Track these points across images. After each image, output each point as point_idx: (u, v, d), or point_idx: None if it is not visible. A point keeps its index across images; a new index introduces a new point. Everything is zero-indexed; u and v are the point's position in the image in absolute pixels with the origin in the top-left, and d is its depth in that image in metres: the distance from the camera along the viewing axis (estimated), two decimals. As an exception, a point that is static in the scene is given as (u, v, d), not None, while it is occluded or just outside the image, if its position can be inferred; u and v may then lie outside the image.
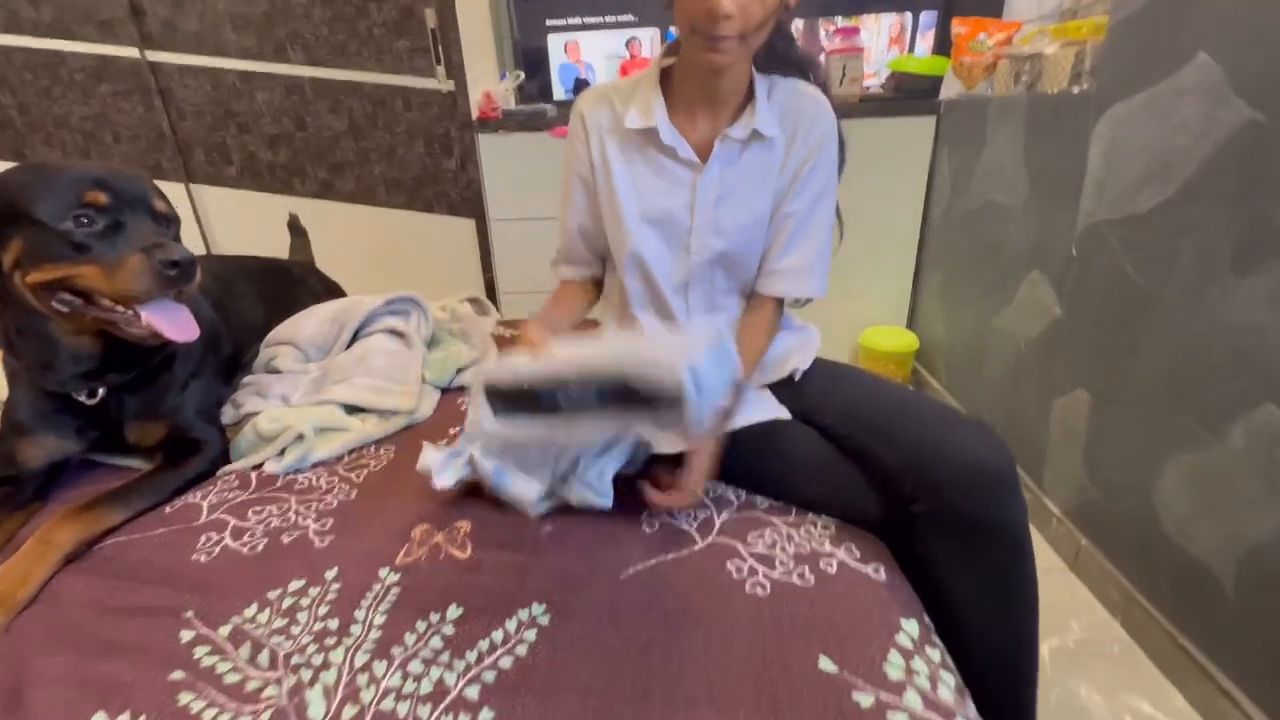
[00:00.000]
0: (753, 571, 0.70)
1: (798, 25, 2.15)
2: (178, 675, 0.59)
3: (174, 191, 2.30)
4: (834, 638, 0.61)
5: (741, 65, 0.80)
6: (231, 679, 0.59)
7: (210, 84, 2.19)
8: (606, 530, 0.78)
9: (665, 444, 0.80)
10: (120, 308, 0.77)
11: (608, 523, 0.78)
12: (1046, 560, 1.35)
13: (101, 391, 0.87)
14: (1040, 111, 1.47)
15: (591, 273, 1.00)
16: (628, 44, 2.30)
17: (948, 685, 0.57)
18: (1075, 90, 1.35)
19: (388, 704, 0.56)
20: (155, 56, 2.16)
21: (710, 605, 0.66)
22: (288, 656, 0.61)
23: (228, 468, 0.95)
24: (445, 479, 0.80)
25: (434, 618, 0.66)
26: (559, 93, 2.31)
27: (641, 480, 0.79)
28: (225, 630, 0.65)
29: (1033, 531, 0.74)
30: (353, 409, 1.07)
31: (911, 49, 2.16)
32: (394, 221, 2.35)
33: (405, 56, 2.12)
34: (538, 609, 0.66)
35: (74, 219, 0.74)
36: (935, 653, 0.60)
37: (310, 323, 1.22)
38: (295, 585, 0.71)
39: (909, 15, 2.14)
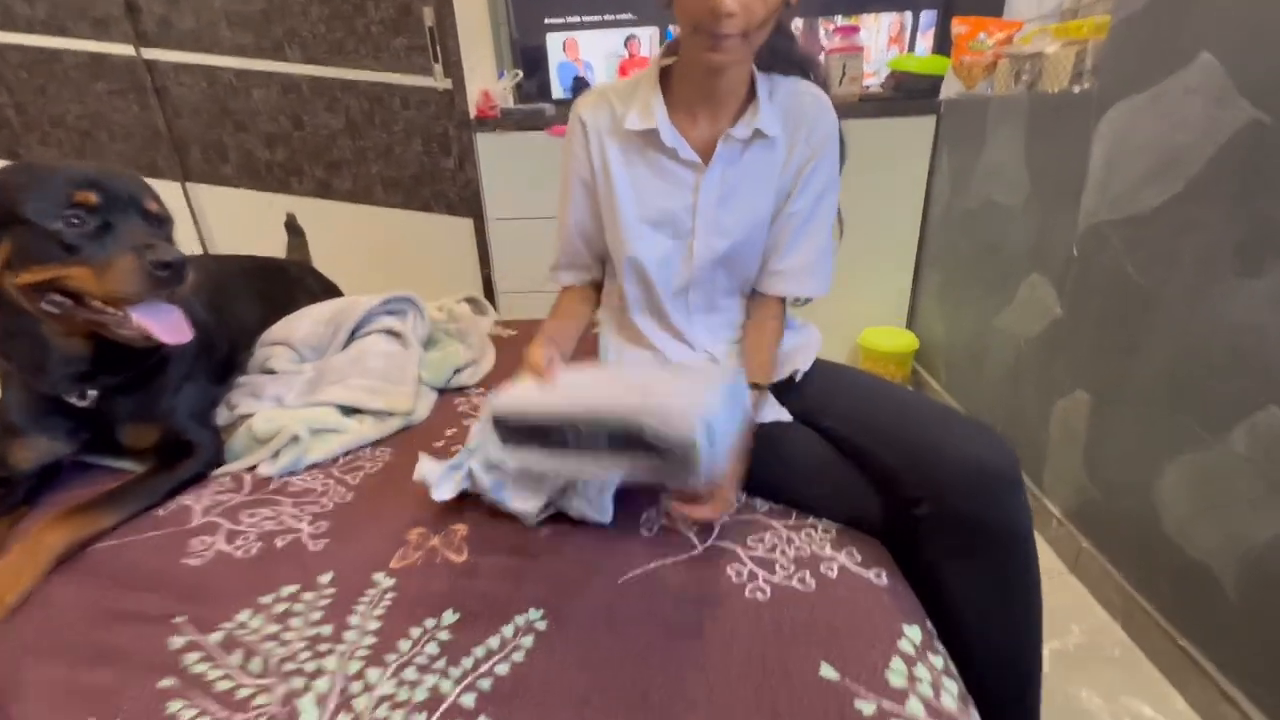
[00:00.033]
0: (752, 576, 0.70)
1: (797, 24, 2.15)
2: (167, 683, 0.58)
3: (170, 190, 2.29)
4: (835, 644, 0.60)
5: (743, 64, 0.79)
6: (222, 686, 0.58)
7: (206, 82, 2.17)
8: (604, 534, 0.77)
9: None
10: (111, 309, 0.76)
11: (605, 526, 0.78)
12: (1046, 562, 1.34)
13: (94, 394, 0.86)
14: (1041, 111, 1.46)
15: (593, 277, 0.99)
16: (626, 43, 2.29)
17: (951, 693, 0.56)
18: (1076, 89, 1.34)
19: (382, 712, 0.55)
20: (151, 54, 2.15)
21: (709, 610, 0.65)
22: (280, 663, 0.61)
23: (221, 469, 0.94)
24: (443, 492, 0.79)
25: (429, 623, 0.65)
26: (557, 91, 2.30)
27: (665, 495, 0.77)
28: (217, 636, 0.64)
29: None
30: (348, 410, 1.06)
31: (911, 48, 2.16)
32: (391, 221, 2.34)
33: (403, 54, 2.10)
34: (535, 614, 0.65)
35: (64, 219, 0.73)
36: (938, 659, 0.59)
37: (305, 323, 1.21)
38: (288, 590, 0.70)
39: (909, 14, 2.13)
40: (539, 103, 2.14)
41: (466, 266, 2.33)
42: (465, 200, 2.26)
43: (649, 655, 0.60)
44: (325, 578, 0.72)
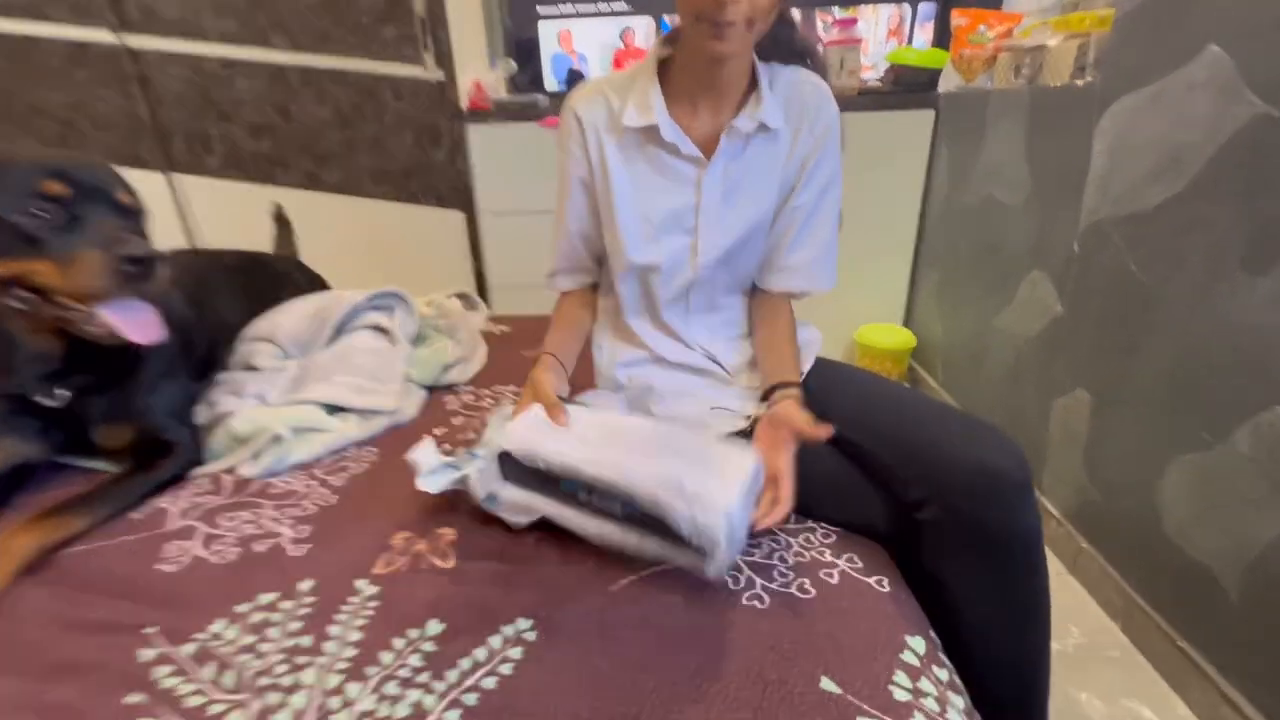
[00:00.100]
0: (750, 583, 0.67)
1: (794, 13, 2.11)
2: (135, 699, 0.55)
3: (153, 181, 2.24)
4: (836, 656, 0.58)
5: (745, 54, 0.76)
6: (193, 702, 0.55)
7: (190, 70, 2.12)
8: (597, 538, 0.74)
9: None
10: (78, 305, 0.72)
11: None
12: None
13: (65, 393, 0.82)
14: (1042, 105, 1.44)
15: (593, 280, 0.95)
16: (622, 34, 2.25)
17: (957, 708, 0.54)
18: (1078, 84, 1.32)
19: (361, 729, 0.52)
20: (133, 41, 2.09)
21: (705, 620, 0.62)
22: (255, 677, 0.58)
23: (199, 470, 0.90)
24: (430, 485, 0.76)
25: (413, 634, 0.62)
26: (551, 84, 2.26)
27: None
28: (189, 648, 0.61)
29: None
30: (333, 409, 1.02)
31: (910, 41, 2.13)
32: (381, 213, 2.30)
33: (392, 44, 2.06)
34: (523, 624, 0.63)
35: (27, 211, 0.70)
36: (943, 672, 0.57)
37: (290, 318, 1.18)
38: (266, 598, 0.67)
39: (907, 6, 2.10)
40: (532, 94, 2.10)
41: (458, 261, 2.30)
42: (456, 193, 2.22)
43: (642, 668, 0.57)
44: (305, 585, 0.69)
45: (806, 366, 0.87)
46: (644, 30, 2.20)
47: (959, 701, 0.55)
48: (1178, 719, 1.00)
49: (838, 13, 2.12)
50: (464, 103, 2.04)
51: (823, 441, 0.69)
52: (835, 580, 0.68)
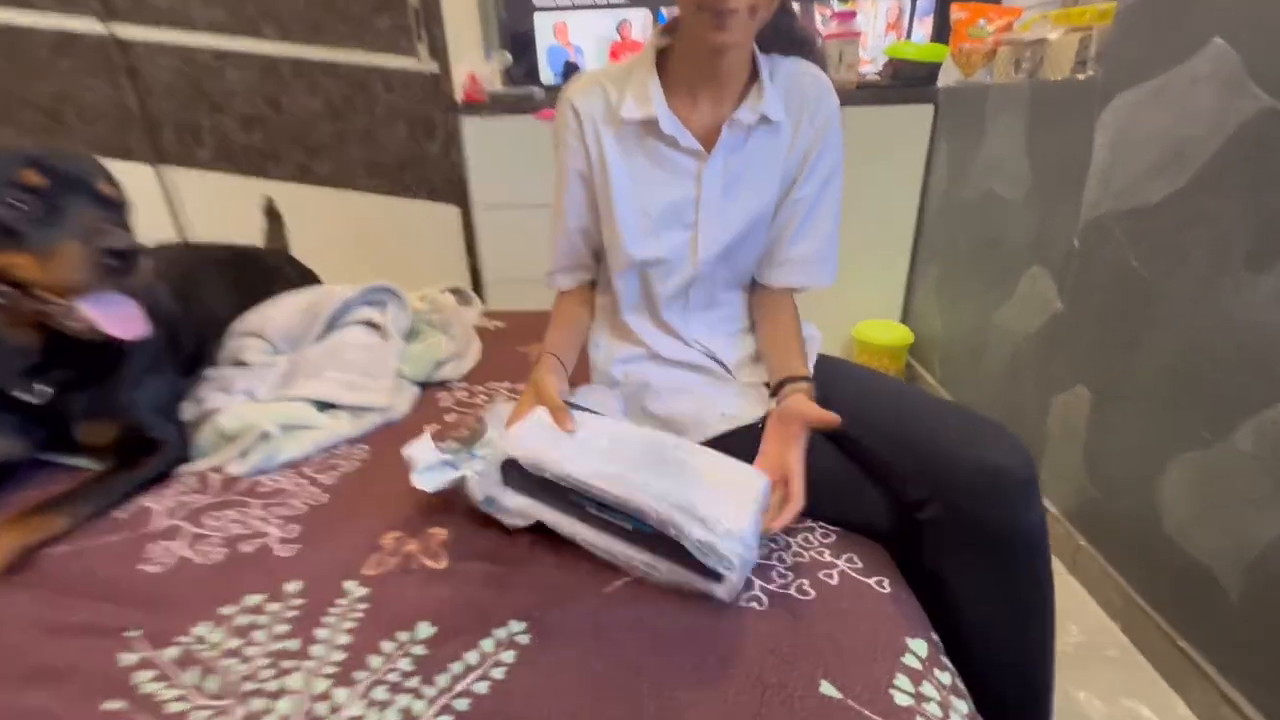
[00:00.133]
0: (748, 584, 0.66)
1: (794, 6, 2.09)
2: (114, 705, 0.53)
3: (142, 174, 2.21)
4: (836, 659, 0.57)
5: (746, 44, 0.74)
6: (175, 709, 0.54)
7: (180, 61, 2.09)
8: (591, 538, 0.73)
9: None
10: (57, 299, 0.70)
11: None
12: (1043, 560, 1.32)
13: (47, 389, 0.80)
14: (1043, 100, 1.42)
15: (592, 277, 0.93)
16: (618, 26, 2.23)
17: (960, 713, 0.53)
18: (1080, 77, 1.31)
19: (349, 736, 0.51)
20: (121, 31, 2.06)
21: (702, 622, 0.61)
22: (240, 682, 0.56)
23: (185, 468, 0.88)
24: (426, 483, 0.74)
25: (403, 637, 0.60)
26: (547, 77, 2.23)
27: None
28: (172, 652, 0.59)
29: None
30: (324, 405, 1.01)
31: (909, 34, 2.11)
32: (374, 207, 2.27)
33: (386, 35, 2.03)
34: (516, 627, 0.61)
35: (4, 202, 0.67)
36: (946, 675, 0.56)
37: (280, 312, 1.16)
38: (253, 600, 0.65)
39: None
40: (528, 87, 2.07)
41: (452, 255, 2.27)
42: (451, 186, 2.20)
43: (638, 672, 0.56)
44: (293, 586, 0.67)
45: (808, 364, 0.85)
46: (640, 23, 2.18)
47: (962, 706, 0.53)
48: (1177, 718, 1.00)
49: (836, 5, 2.09)
50: (458, 95, 2.01)
51: (834, 427, 0.68)
52: (835, 581, 0.66)
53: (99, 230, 0.70)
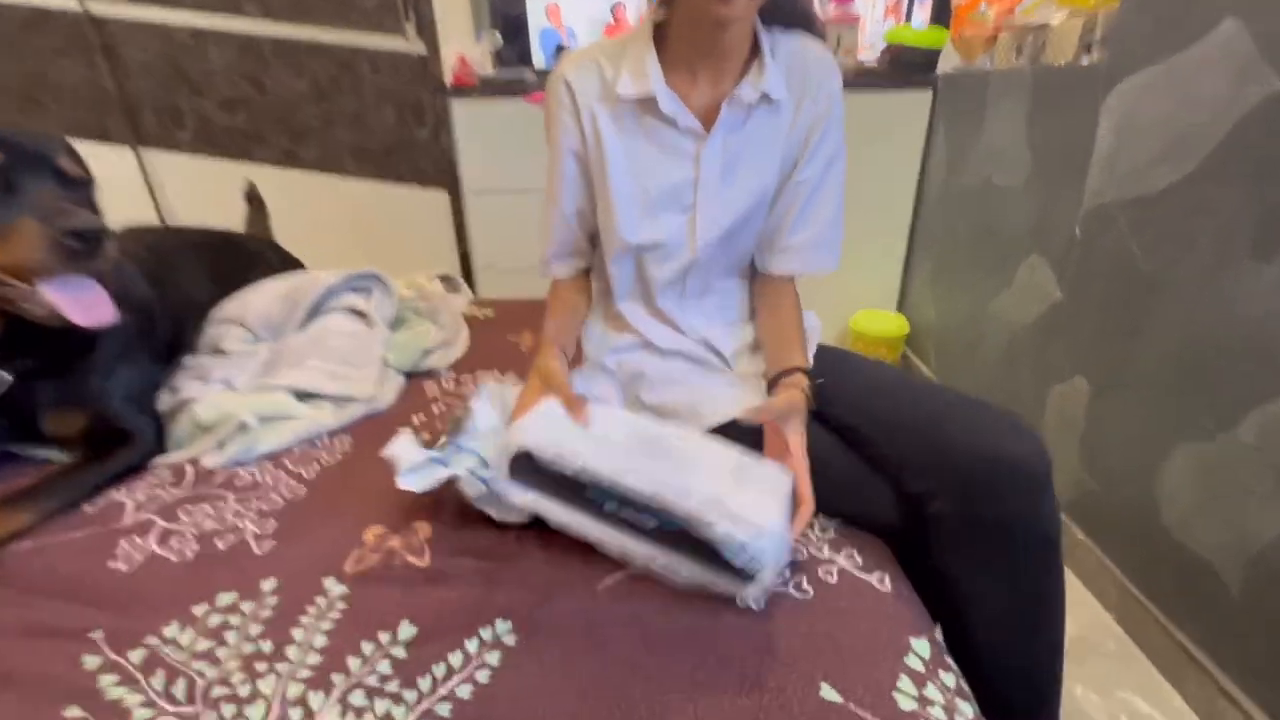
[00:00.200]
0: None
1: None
2: (74, 712, 0.50)
3: (121, 156, 2.14)
4: (836, 660, 0.54)
5: (748, 18, 0.71)
6: (141, 715, 0.51)
7: (158, 40, 2.02)
8: (582, 533, 0.70)
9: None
10: (15, 282, 0.66)
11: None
12: (1039, 553, 1.31)
13: (8, 378, 0.76)
14: (1045, 85, 1.39)
15: (587, 264, 0.90)
16: (613, 8, 2.18)
17: (965, 716, 0.50)
18: (1084, 62, 1.28)
19: (323, 744, 0.48)
20: (95, 8, 1.98)
21: (698, 622, 0.59)
22: (209, 687, 0.53)
23: (159, 460, 0.85)
24: (412, 483, 0.69)
25: (383, 638, 0.58)
26: (539, 61, 2.18)
27: None
28: (138, 655, 0.56)
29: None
30: (305, 395, 0.97)
31: (908, 19, 2.07)
32: (361, 193, 2.21)
33: (372, 13, 1.97)
34: (502, 627, 0.58)
35: (-44, 178, 0.63)
36: (950, 677, 0.54)
37: (261, 299, 1.12)
38: (226, 599, 0.62)
39: (906, -17, 2.04)
40: (519, 69, 2.02)
41: (442, 242, 2.22)
42: (440, 172, 2.15)
43: (630, 674, 0.54)
44: (269, 584, 0.64)
45: (809, 355, 0.82)
46: (635, 4, 2.13)
47: (967, 709, 0.51)
48: (1174, 711, 0.99)
49: (835, -11, 2.05)
50: (448, 78, 1.96)
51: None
52: (834, 579, 0.64)
53: (59, 209, 0.66)
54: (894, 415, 0.69)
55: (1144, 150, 1.09)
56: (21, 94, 2.08)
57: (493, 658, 0.55)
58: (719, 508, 0.57)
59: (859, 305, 2.13)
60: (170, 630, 0.59)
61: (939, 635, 0.59)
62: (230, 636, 0.58)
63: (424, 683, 0.53)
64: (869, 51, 2.07)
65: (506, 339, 1.25)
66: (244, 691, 0.53)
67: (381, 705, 0.51)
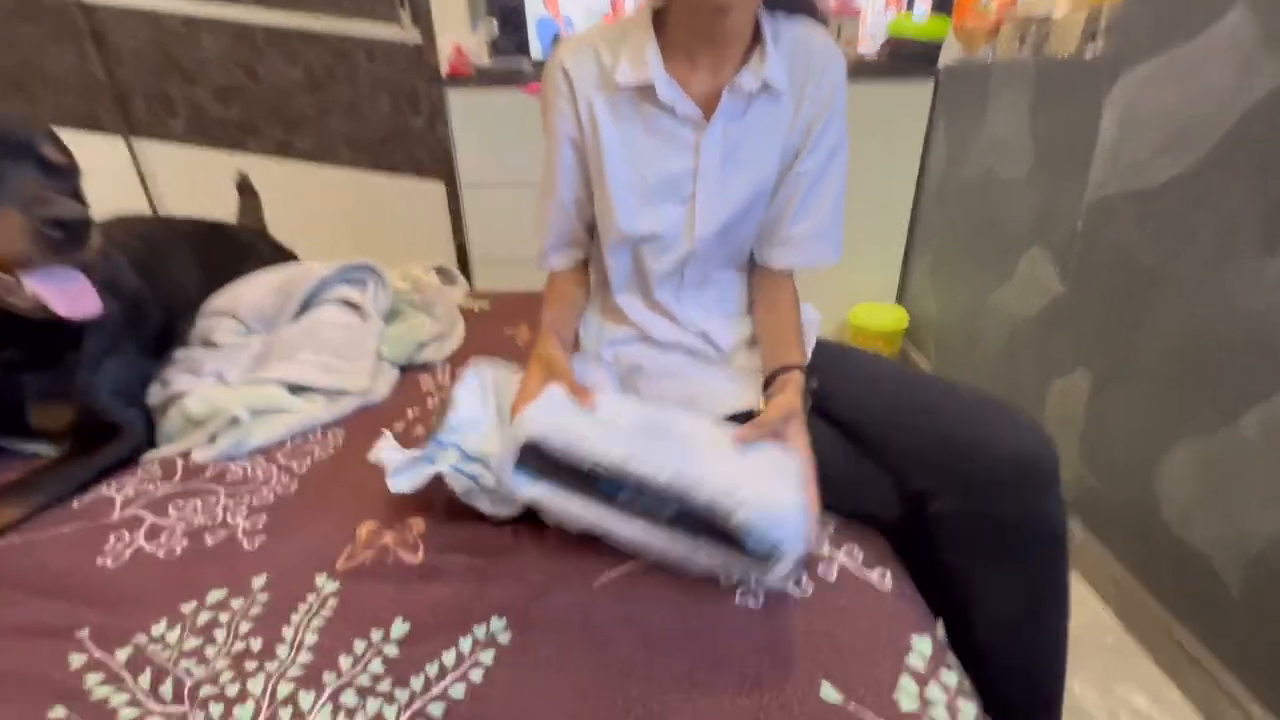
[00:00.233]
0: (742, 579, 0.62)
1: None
2: (58, 712, 0.49)
3: (113, 145, 2.11)
4: (837, 659, 0.53)
5: (749, 3, 0.69)
6: (127, 715, 0.50)
7: (148, 27, 1.99)
8: (578, 529, 0.69)
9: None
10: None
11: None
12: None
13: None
14: (1048, 77, 1.38)
15: (585, 255, 0.88)
16: (610, -3, 2.14)
17: (968, 716, 0.50)
18: (1088, 54, 1.26)
19: (314, 745, 0.47)
20: (86, -6, 1.95)
21: (696, 621, 0.58)
22: (197, 686, 0.52)
23: (148, 455, 0.84)
24: (402, 484, 0.68)
25: (375, 636, 0.56)
26: (536, 49, 2.15)
27: None
28: (124, 653, 0.55)
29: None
30: (297, 388, 0.96)
31: (910, 9, 2.05)
32: (357, 183, 2.19)
33: (366, 1, 1.94)
34: (497, 625, 0.57)
35: (-66, 165, 0.62)
36: (952, 676, 0.53)
37: (253, 291, 1.10)
38: (215, 596, 0.61)
39: (908, -27, 2.02)
40: (516, 58, 1.99)
41: (438, 233, 2.21)
42: (437, 162, 2.13)
43: (627, 673, 0.53)
44: (259, 581, 0.63)
45: (808, 349, 0.81)
46: (633, -7, 2.10)
47: (970, 709, 0.50)
48: (1172, 706, 0.99)
49: (836, -21, 2.02)
50: (444, 67, 1.93)
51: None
52: (834, 576, 0.63)
53: (42, 198, 0.64)
54: (895, 411, 0.68)
55: (1147, 142, 1.07)
56: (12, 82, 2.05)
57: (487, 656, 0.54)
58: (736, 492, 0.56)
59: (858, 298, 2.12)
60: (158, 628, 0.58)
61: (941, 633, 0.58)
62: (219, 634, 0.57)
63: (417, 682, 0.52)
64: (870, 43, 2.05)
65: (503, 331, 1.23)
66: (232, 691, 0.52)
67: (373, 704, 0.50)
